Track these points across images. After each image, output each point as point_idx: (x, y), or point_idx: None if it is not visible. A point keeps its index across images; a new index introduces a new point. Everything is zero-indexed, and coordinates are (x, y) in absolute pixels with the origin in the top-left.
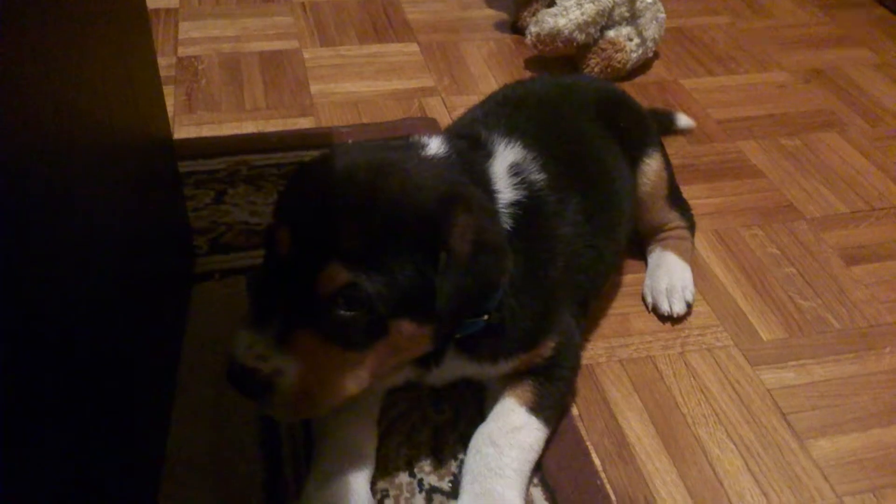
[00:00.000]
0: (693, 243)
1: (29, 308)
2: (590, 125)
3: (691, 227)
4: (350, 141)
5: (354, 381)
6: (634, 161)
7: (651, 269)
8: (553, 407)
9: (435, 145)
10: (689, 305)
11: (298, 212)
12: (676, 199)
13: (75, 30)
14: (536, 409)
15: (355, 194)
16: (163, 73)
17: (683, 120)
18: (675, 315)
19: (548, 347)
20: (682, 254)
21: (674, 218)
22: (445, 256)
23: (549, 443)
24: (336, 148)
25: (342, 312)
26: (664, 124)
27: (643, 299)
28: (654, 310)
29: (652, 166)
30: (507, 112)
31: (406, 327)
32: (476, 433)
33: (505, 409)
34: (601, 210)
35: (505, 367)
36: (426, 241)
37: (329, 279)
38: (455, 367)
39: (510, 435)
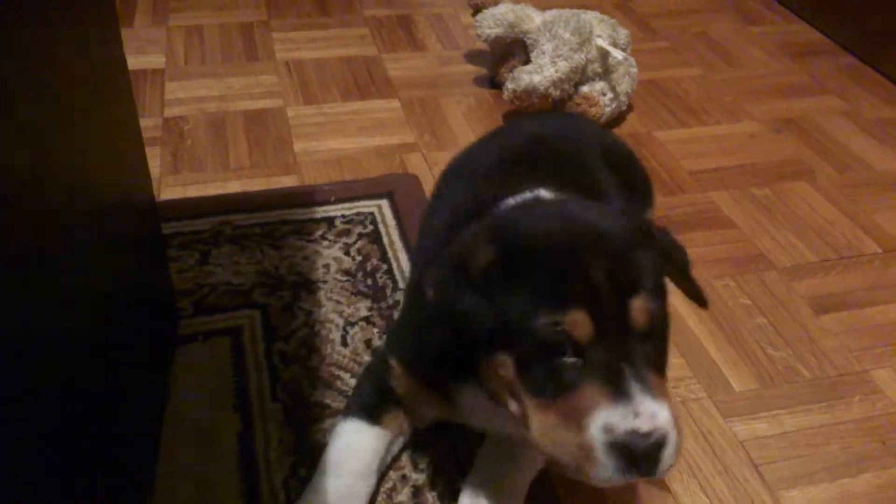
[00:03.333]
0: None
1: (7, 373)
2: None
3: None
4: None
5: None
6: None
7: None
8: None
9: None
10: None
11: (588, 290)
12: None
13: (54, 94)
14: None
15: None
16: (150, 134)
17: None
18: None
19: None
20: None
21: None
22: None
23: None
24: (528, 224)
25: (648, 344)
26: None
27: None
28: None
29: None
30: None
31: None
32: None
33: None
34: None
35: None
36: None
37: (643, 311)
38: None
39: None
